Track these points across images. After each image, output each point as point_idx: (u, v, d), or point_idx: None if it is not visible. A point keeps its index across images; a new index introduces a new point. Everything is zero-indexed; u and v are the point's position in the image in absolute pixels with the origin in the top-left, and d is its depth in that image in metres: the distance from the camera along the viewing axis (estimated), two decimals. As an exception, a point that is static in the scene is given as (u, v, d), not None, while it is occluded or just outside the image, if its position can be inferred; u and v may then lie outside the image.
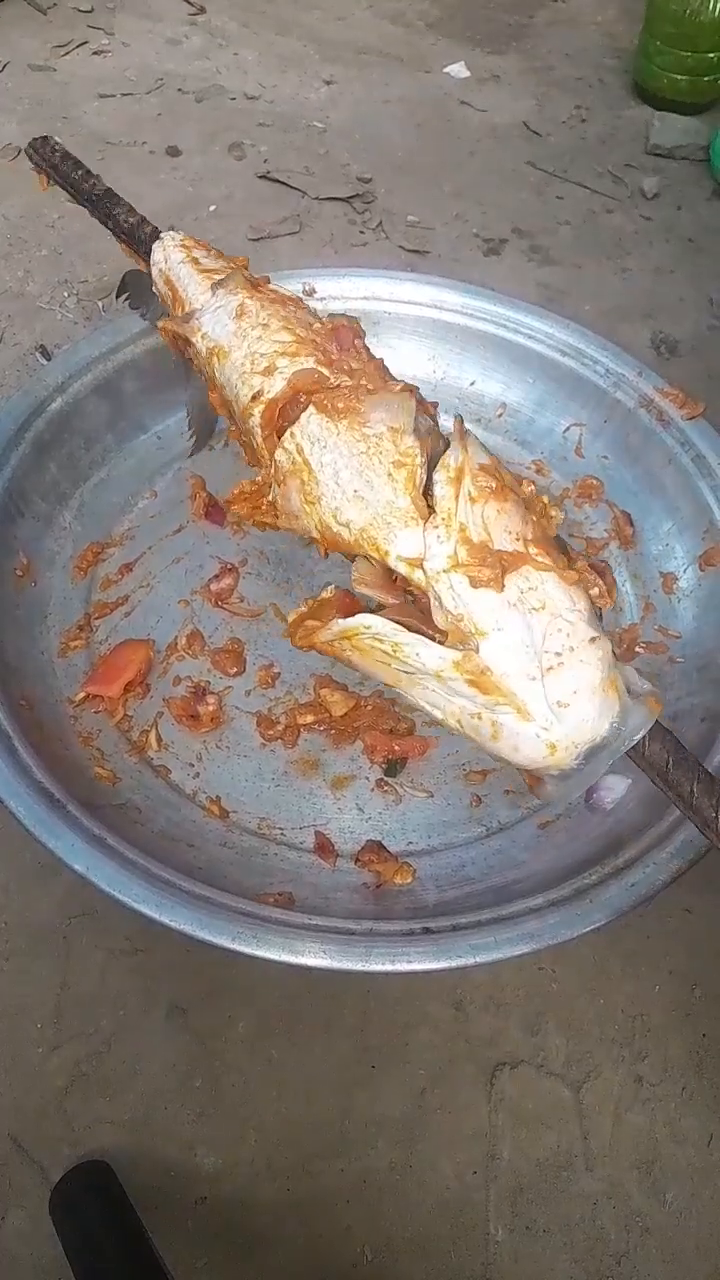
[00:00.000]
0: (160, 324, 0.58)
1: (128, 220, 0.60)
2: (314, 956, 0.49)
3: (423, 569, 0.41)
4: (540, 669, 0.40)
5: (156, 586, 0.73)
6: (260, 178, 1.25)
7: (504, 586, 0.40)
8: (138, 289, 0.68)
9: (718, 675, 0.63)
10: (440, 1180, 0.59)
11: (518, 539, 0.41)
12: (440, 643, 0.41)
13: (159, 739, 0.65)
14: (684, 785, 0.40)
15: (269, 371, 0.47)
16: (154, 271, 0.59)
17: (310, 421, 0.45)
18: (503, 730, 0.41)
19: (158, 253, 0.59)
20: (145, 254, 0.60)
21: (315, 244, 1.16)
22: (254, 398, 0.48)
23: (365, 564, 0.44)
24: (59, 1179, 0.56)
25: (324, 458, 0.44)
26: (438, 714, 0.43)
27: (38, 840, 0.51)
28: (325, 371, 0.47)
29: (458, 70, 1.50)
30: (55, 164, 0.62)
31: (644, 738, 0.41)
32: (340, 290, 0.82)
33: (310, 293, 0.81)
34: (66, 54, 1.45)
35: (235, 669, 0.69)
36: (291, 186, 1.24)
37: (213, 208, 1.18)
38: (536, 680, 0.40)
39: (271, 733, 0.66)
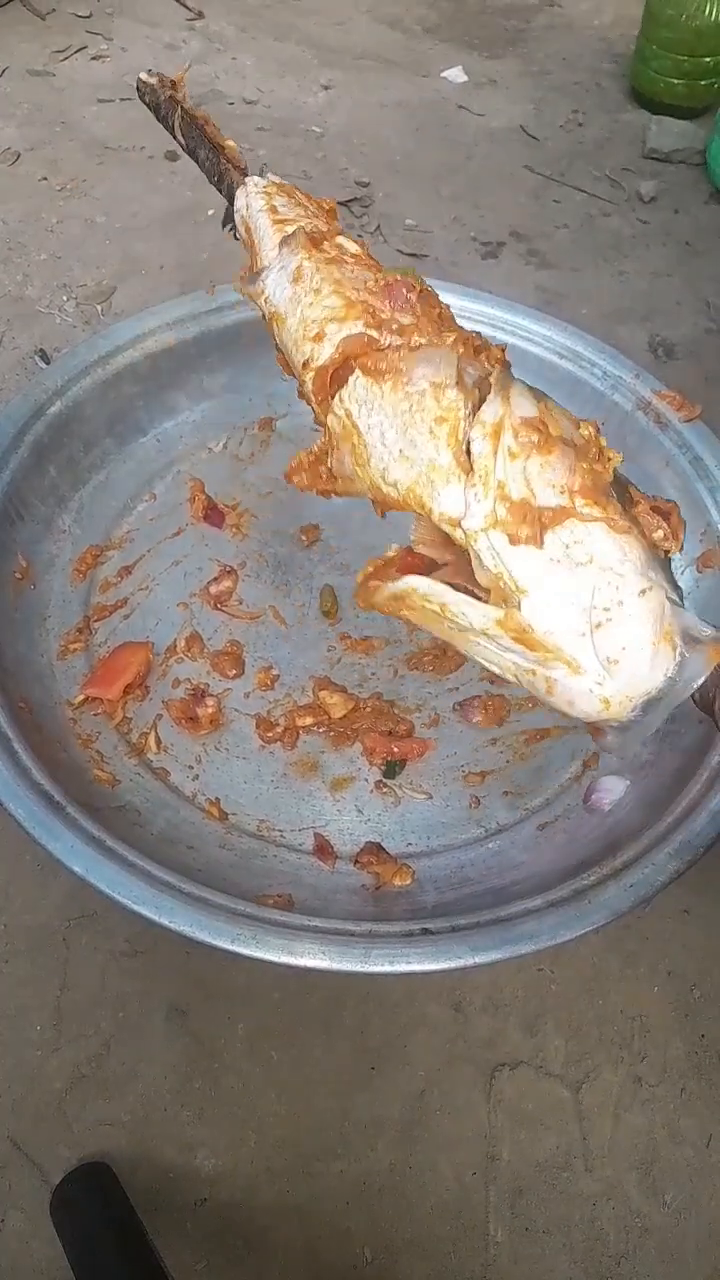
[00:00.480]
0: (235, 287, 0.58)
1: (209, 161, 0.59)
2: (313, 958, 0.49)
3: (462, 528, 0.41)
4: (589, 625, 0.39)
5: (155, 589, 0.73)
6: (258, 182, 1.26)
7: (544, 543, 0.39)
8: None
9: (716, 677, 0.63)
10: (440, 1181, 0.59)
11: (563, 491, 0.40)
12: (484, 601, 0.41)
13: (158, 741, 0.66)
14: None
15: (319, 338, 0.47)
16: (236, 219, 0.58)
17: (357, 385, 0.45)
18: (556, 686, 0.41)
19: (240, 199, 0.57)
20: (229, 198, 0.59)
21: (313, 248, 1.16)
22: (305, 365, 0.48)
23: (421, 522, 0.44)
24: (59, 1181, 0.56)
25: (371, 420, 0.44)
26: (495, 669, 0.43)
27: (37, 842, 0.52)
28: (374, 334, 0.46)
29: (455, 75, 1.51)
30: (146, 99, 0.61)
31: (707, 684, 0.40)
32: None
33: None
34: (65, 59, 1.45)
35: (234, 671, 0.69)
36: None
37: (211, 212, 1.19)
38: (586, 637, 0.39)
39: (270, 735, 0.66)
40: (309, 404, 0.50)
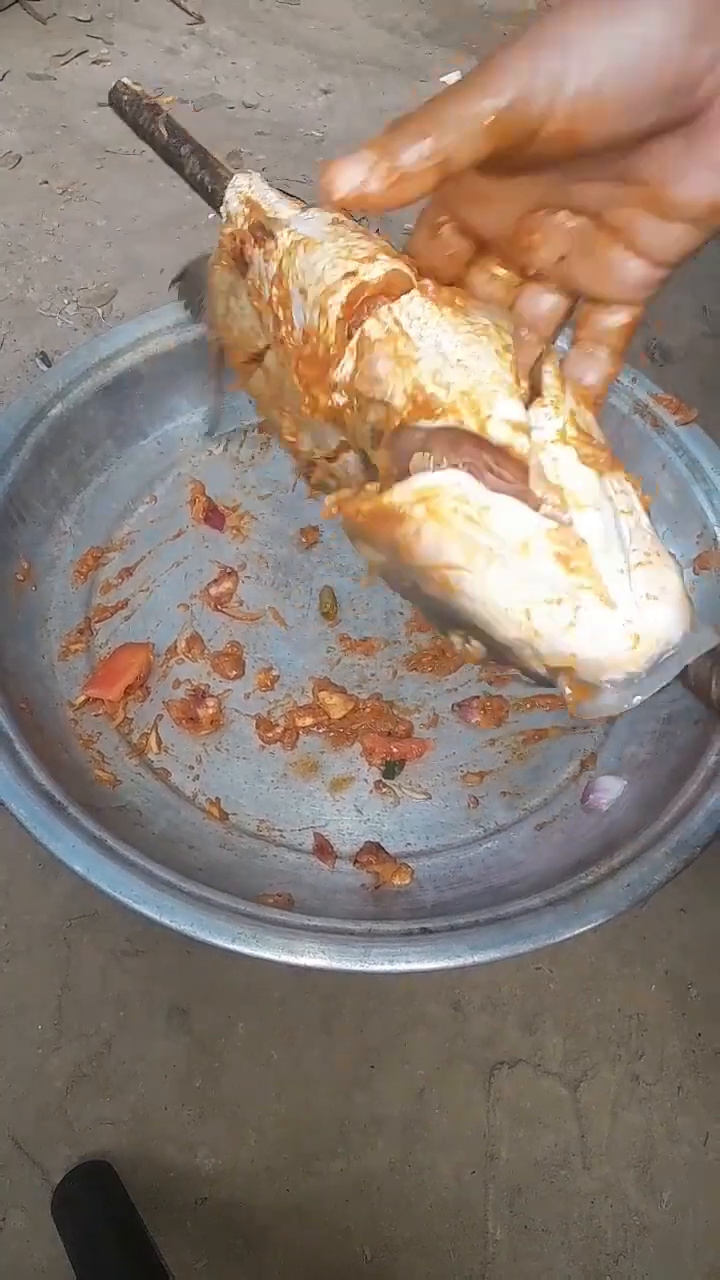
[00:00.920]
0: (224, 230, 0.56)
1: (197, 156, 0.58)
2: (313, 957, 0.49)
3: (527, 435, 0.40)
4: (628, 564, 0.39)
5: (156, 590, 0.74)
6: (258, 186, 1.26)
7: (604, 475, 0.39)
8: (195, 282, 0.66)
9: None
10: (439, 1180, 0.59)
11: (607, 446, 0.41)
12: (535, 509, 0.40)
13: (159, 741, 0.66)
14: None
15: (370, 259, 0.47)
16: (230, 193, 0.57)
17: (412, 302, 0.44)
18: (583, 616, 0.39)
19: (242, 180, 0.57)
20: (213, 199, 0.58)
21: (313, 251, 1.17)
22: (347, 275, 0.46)
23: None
24: (60, 1180, 0.57)
25: (425, 330, 0.43)
26: (498, 609, 0.40)
27: (38, 842, 0.52)
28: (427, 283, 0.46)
29: (454, 79, 1.51)
30: (123, 109, 0.61)
31: (701, 666, 0.40)
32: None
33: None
34: (66, 63, 1.46)
35: (235, 672, 0.70)
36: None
37: (210, 216, 1.19)
38: (624, 574, 0.39)
39: (270, 735, 0.67)
40: (301, 332, 0.47)
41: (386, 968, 0.49)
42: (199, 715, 0.67)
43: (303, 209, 0.54)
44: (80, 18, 1.55)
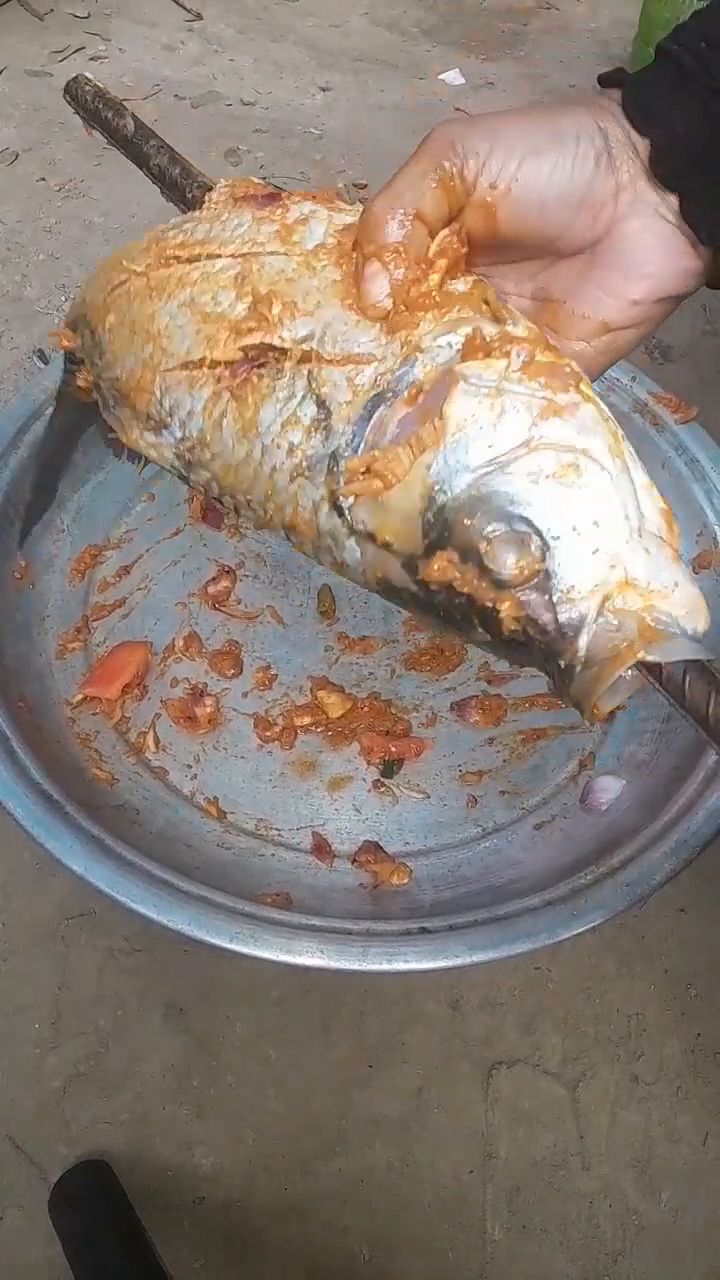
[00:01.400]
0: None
1: (158, 163, 0.58)
2: (311, 956, 0.49)
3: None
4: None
5: (154, 589, 0.73)
6: (257, 183, 1.26)
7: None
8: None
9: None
10: (437, 1179, 0.59)
11: None
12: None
13: (157, 740, 0.66)
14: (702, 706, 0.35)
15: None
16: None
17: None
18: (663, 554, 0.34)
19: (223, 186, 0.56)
20: (184, 205, 0.57)
21: (311, 249, 1.17)
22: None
23: None
24: (58, 1179, 0.57)
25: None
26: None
27: (36, 841, 0.52)
28: None
29: (453, 77, 1.51)
30: (86, 105, 0.60)
31: (697, 689, 0.35)
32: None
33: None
34: (63, 60, 1.45)
35: (233, 671, 0.69)
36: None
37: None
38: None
39: (269, 734, 0.66)
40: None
41: (385, 967, 0.49)
42: (197, 714, 0.67)
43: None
44: (78, 14, 1.55)
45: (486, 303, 0.37)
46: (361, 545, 0.37)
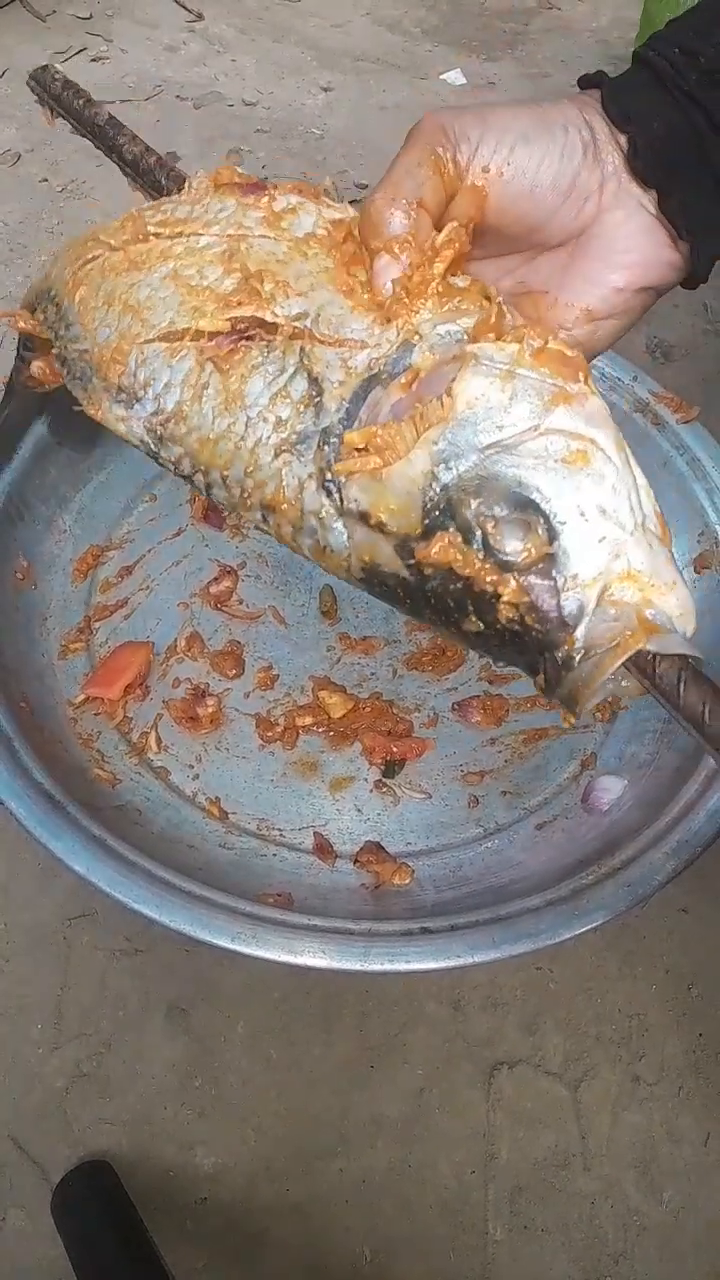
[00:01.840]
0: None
1: (131, 151, 0.58)
2: (313, 956, 0.49)
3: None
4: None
5: (156, 589, 0.74)
6: (258, 183, 1.26)
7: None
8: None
9: (712, 678, 0.64)
10: (439, 1180, 0.59)
11: None
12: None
13: (158, 741, 0.66)
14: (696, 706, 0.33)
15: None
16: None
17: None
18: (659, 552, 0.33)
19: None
20: (156, 192, 0.57)
21: (313, 249, 1.17)
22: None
23: None
24: (60, 1179, 0.57)
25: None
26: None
27: (38, 841, 0.52)
28: None
29: (454, 77, 1.51)
30: (57, 94, 0.60)
31: (693, 697, 0.34)
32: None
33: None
34: (65, 60, 1.45)
35: (234, 671, 0.69)
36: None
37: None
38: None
39: (270, 734, 0.66)
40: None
41: (386, 967, 0.49)
42: (199, 714, 0.67)
43: None
44: (79, 15, 1.55)
45: (488, 298, 0.37)
46: (350, 526, 0.36)
